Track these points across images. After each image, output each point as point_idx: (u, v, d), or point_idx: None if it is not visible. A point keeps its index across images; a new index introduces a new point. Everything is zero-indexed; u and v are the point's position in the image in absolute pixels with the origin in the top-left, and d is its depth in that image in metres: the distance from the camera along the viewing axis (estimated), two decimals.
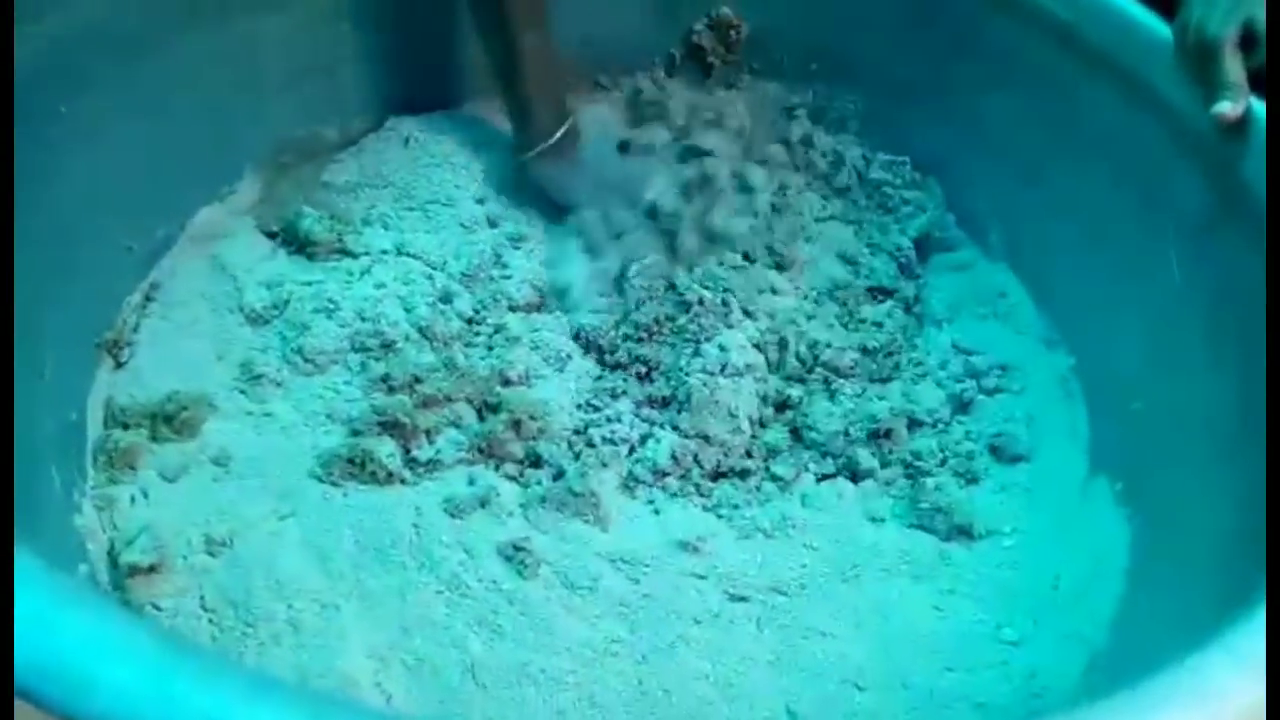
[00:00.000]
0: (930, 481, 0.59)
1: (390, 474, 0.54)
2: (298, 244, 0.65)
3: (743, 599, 0.53)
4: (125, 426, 0.53)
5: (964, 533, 0.58)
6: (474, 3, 0.67)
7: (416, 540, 0.51)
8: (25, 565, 0.27)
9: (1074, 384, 0.65)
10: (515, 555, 0.51)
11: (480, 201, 0.69)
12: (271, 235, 0.66)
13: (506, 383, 0.60)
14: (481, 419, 0.59)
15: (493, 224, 0.69)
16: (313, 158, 0.71)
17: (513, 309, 0.64)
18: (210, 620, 0.47)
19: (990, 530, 0.58)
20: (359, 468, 0.54)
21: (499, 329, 0.63)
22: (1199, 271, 0.56)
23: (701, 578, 0.53)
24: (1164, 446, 0.57)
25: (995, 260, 0.72)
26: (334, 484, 0.54)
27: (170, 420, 0.54)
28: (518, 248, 0.67)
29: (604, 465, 0.57)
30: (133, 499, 0.51)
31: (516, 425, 0.58)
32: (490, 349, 0.62)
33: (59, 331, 0.53)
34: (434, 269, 0.65)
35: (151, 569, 0.48)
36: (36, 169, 0.51)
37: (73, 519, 0.49)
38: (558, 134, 0.69)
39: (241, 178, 0.67)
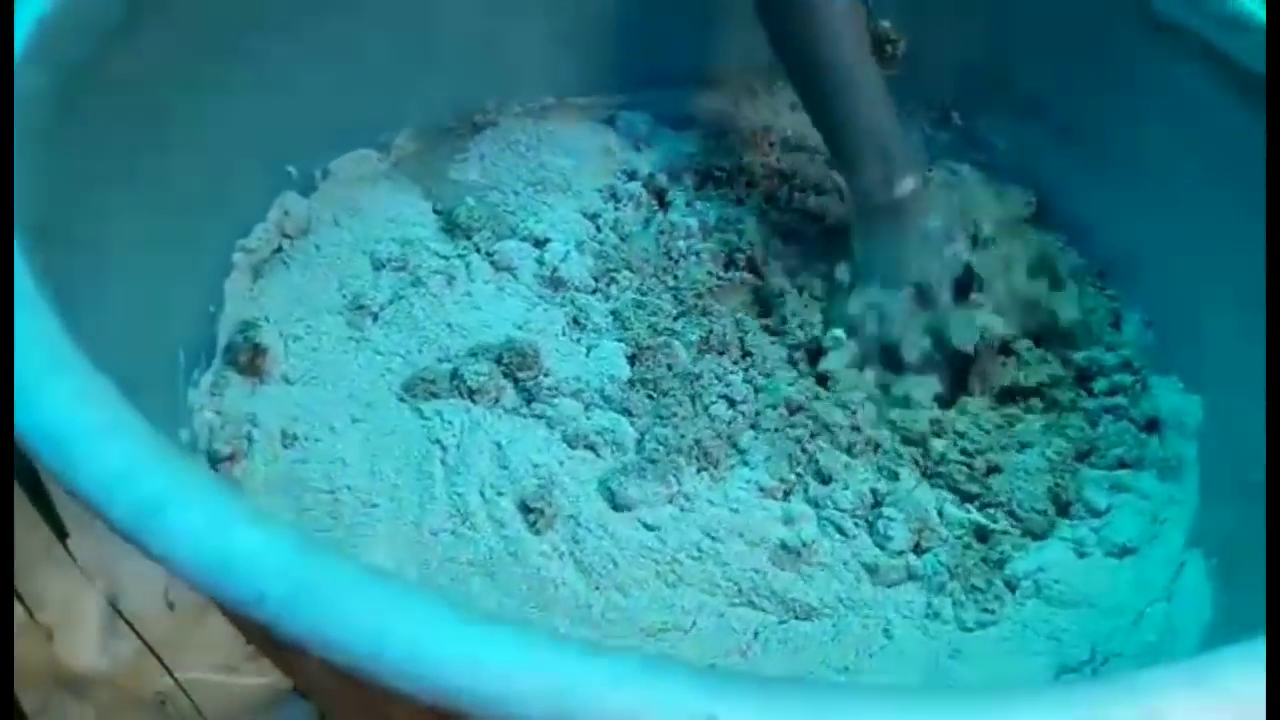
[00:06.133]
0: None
1: (473, 391, 0.58)
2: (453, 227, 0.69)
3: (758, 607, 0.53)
4: (253, 334, 0.59)
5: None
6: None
7: (458, 457, 0.55)
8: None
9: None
10: (530, 513, 0.53)
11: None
12: (437, 212, 0.70)
13: None
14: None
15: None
16: (470, 122, 0.76)
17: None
18: (270, 503, 0.53)
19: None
20: (449, 380, 0.58)
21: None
22: None
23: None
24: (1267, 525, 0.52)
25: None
26: (414, 397, 0.58)
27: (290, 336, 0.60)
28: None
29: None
30: (239, 394, 0.58)
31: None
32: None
33: (215, 235, 0.61)
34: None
35: (230, 457, 0.54)
36: (219, 96, 0.59)
37: (188, 392, 0.56)
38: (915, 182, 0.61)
39: (401, 130, 0.73)
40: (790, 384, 0.62)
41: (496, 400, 0.59)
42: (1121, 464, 0.60)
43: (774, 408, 0.60)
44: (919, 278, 0.63)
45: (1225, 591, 0.52)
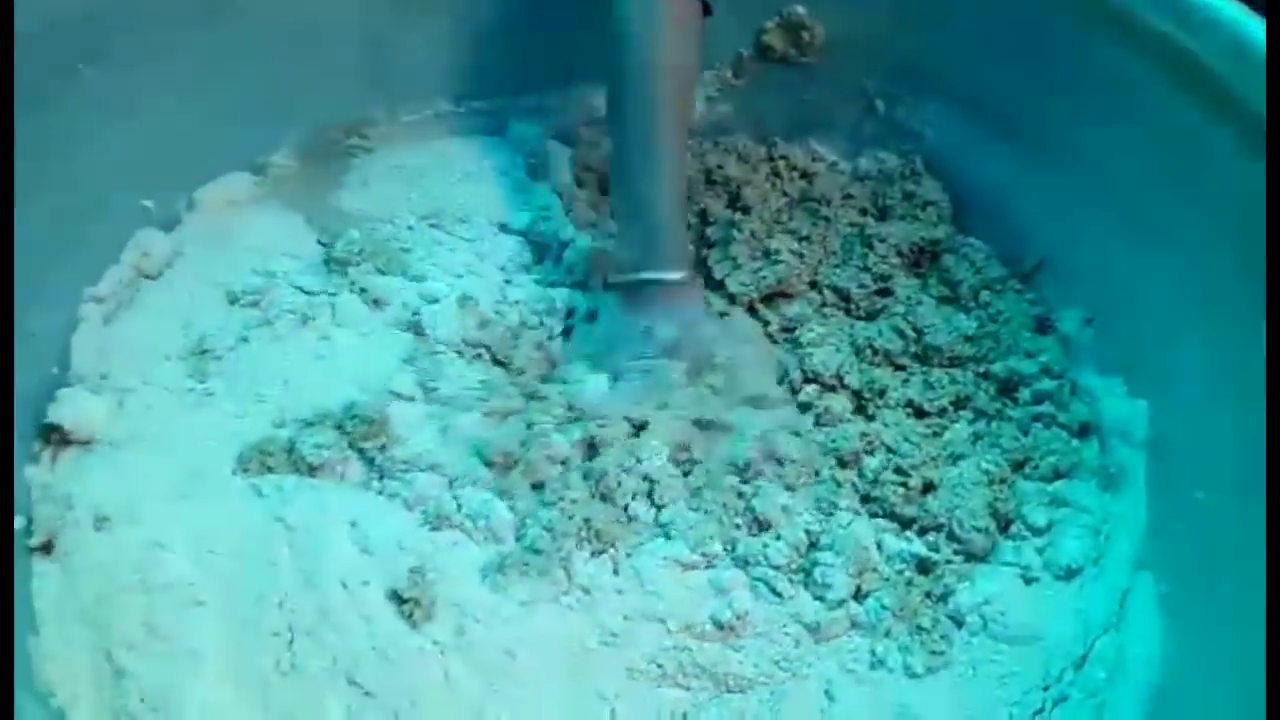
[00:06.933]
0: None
1: (313, 467, 0.52)
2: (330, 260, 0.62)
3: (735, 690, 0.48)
4: (45, 408, 0.52)
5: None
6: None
7: (308, 540, 0.49)
8: None
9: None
10: (405, 604, 0.47)
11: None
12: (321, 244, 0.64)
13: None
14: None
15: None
16: (356, 135, 0.70)
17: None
18: (79, 607, 0.46)
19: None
20: (287, 455, 0.52)
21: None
22: None
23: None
24: (1227, 548, 0.49)
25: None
26: (247, 471, 0.52)
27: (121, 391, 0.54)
28: None
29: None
30: (67, 465, 0.51)
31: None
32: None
33: (61, 282, 0.54)
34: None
35: (47, 546, 0.47)
36: (61, 128, 0.53)
37: (24, 469, 0.49)
38: (682, 274, 0.58)
39: (279, 148, 0.67)
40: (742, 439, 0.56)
41: (342, 476, 0.52)
42: (1057, 474, 0.57)
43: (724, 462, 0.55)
44: (621, 366, 0.58)
45: (1178, 625, 0.49)
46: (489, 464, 0.53)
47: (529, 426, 0.54)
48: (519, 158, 0.69)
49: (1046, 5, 0.60)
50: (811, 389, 0.59)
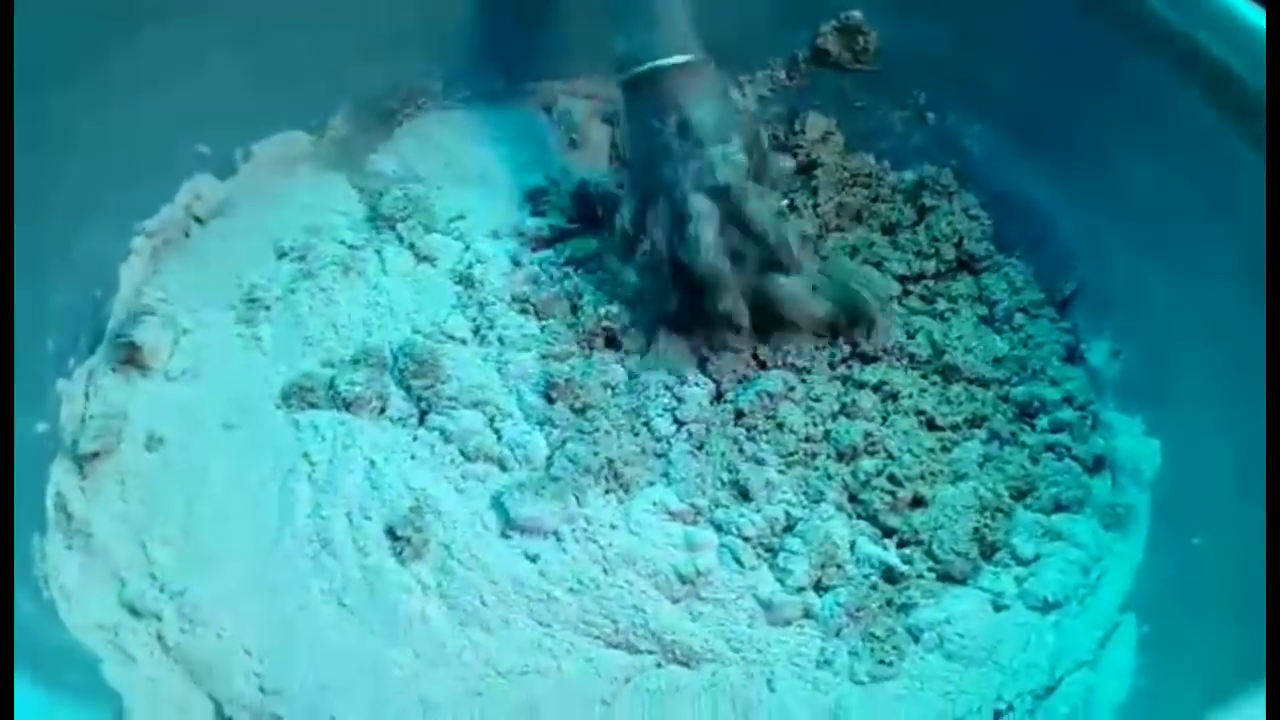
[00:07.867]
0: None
1: (348, 403, 0.55)
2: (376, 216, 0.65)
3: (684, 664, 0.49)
4: (130, 332, 0.56)
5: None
6: None
7: (327, 475, 0.52)
8: None
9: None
10: (398, 541, 0.50)
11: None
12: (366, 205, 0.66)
13: None
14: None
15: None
16: (413, 105, 0.73)
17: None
18: (123, 510, 0.51)
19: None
20: (326, 390, 0.55)
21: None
22: None
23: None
24: (1211, 595, 0.47)
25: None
26: (289, 406, 0.55)
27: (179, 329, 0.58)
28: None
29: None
30: (117, 387, 0.55)
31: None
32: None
33: (108, 211, 0.57)
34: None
35: (96, 455, 0.52)
36: (123, 76, 0.56)
37: (55, 382, 0.53)
38: (689, 56, 0.52)
39: (337, 112, 0.70)
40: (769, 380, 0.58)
41: (381, 410, 0.55)
42: (1059, 506, 0.55)
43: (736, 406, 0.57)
44: (668, 178, 0.54)
45: (1149, 669, 0.47)
46: (544, 395, 0.56)
47: (588, 363, 0.58)
48: (560, 131, 0.71)
49: (1110, 28, 0.59)
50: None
